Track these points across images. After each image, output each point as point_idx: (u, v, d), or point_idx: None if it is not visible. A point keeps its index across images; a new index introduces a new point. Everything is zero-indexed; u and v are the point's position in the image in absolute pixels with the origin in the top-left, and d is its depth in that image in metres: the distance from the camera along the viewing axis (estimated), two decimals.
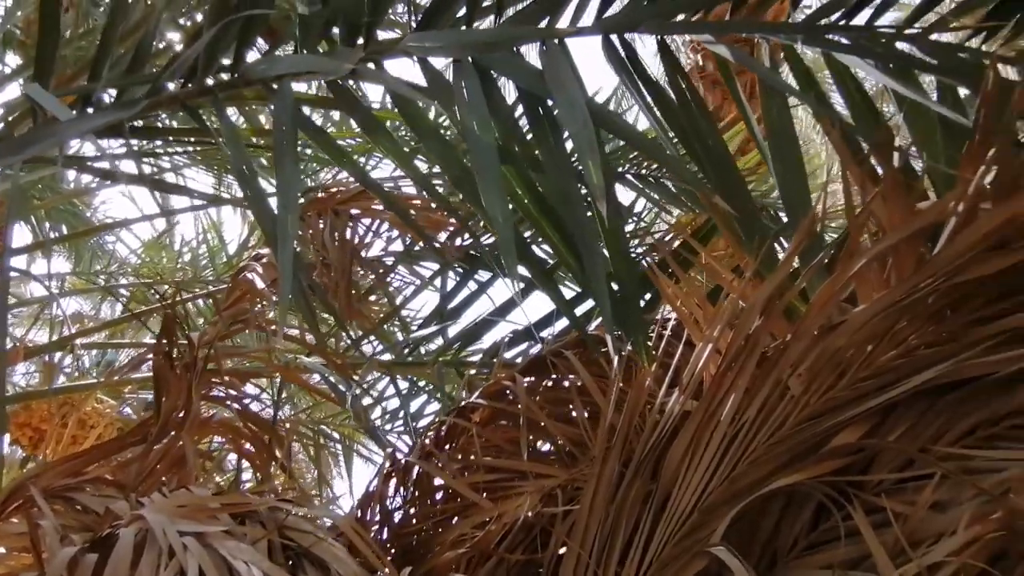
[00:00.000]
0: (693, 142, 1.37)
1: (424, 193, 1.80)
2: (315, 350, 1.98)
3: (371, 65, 1.31)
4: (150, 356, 1.88)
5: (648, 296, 1.76)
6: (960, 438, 1.04)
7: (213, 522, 1.06)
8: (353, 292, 1.92)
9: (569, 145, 1.38)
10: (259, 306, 1.79)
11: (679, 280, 1.43)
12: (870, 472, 1.08)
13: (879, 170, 1.27)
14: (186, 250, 4.59)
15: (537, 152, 1.33)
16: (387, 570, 1.10)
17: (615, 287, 1.34)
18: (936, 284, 1.12)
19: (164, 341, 1.70)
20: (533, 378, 1.67)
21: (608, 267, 1.31)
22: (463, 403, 1.63)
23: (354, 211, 1.77)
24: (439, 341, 2.59)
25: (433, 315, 2.64)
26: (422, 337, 2.52)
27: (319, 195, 2.28)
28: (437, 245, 1.76)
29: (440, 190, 2.49)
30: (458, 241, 2.56)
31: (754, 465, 1.19)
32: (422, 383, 2.63)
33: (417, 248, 2.60)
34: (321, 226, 1.78)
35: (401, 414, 2.45)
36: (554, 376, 1.68)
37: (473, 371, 2.26)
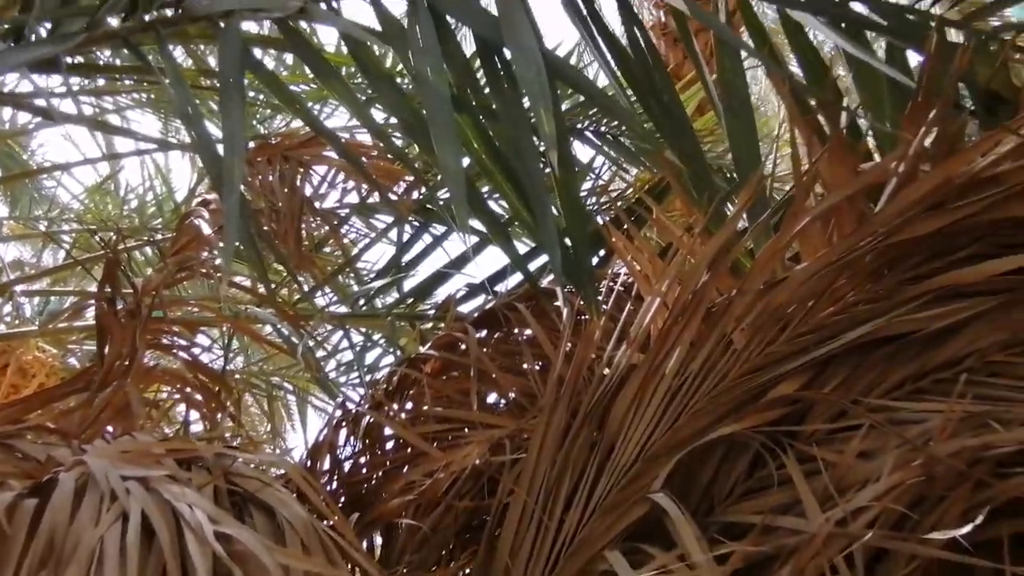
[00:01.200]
0: (649, 98, 1.37)
1: (379, 143, 1.77)
2: (264, 300, 1.95)
3: (323, 5, 1.27)
4: (92, 303, 1.83)
5: (603, 253, 1.77)
6: (890, 391, 1.09)
7: (157, 468, 1.06)
8: (305, 242, 1.89)
9: (526, 99, 1.37)
10: (207, 254, 1.75)
11: (633, 237, 1.44)
12: (805, 423, 1.13)
13: (828, 130, 1.30)
14: (132, 196, 4.43)
15: (492, 103, 1.32)
16: (335, 516, 1.11)
17: (567, 241, 1.34)
18: (875, 243, 1.16)
19: (107, 288, 1.66)
20: (485, 331, 1.69)
21: (560, 221, 1.32)
22: (414, 355, 1.63)
23: (307, 159, 1.73)
24: (394, 295, 2.57)
25: (388, 268, 2.62)
26: (376, 289, 2.51)
27: (272, 141, 2.21)
28: (391, 197, 1.73)
29: (398, 141, 2.45)
30: (414, 194, 2.54)
31: (696, 416, 1.22)
32: (377, 336, 2.62)
33: (372, 200, 2.57)
34: (271, 174, 1.74)
35: (355, 366, 2.45)
36: (505, 329, 1.69)
37: (427, 324, 2.27)
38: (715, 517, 1.13)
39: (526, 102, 1.34)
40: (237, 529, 0.89)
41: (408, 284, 2.58)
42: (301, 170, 1.73)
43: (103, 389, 1.75)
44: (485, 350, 1.58)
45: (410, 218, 2.57)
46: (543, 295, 1.40)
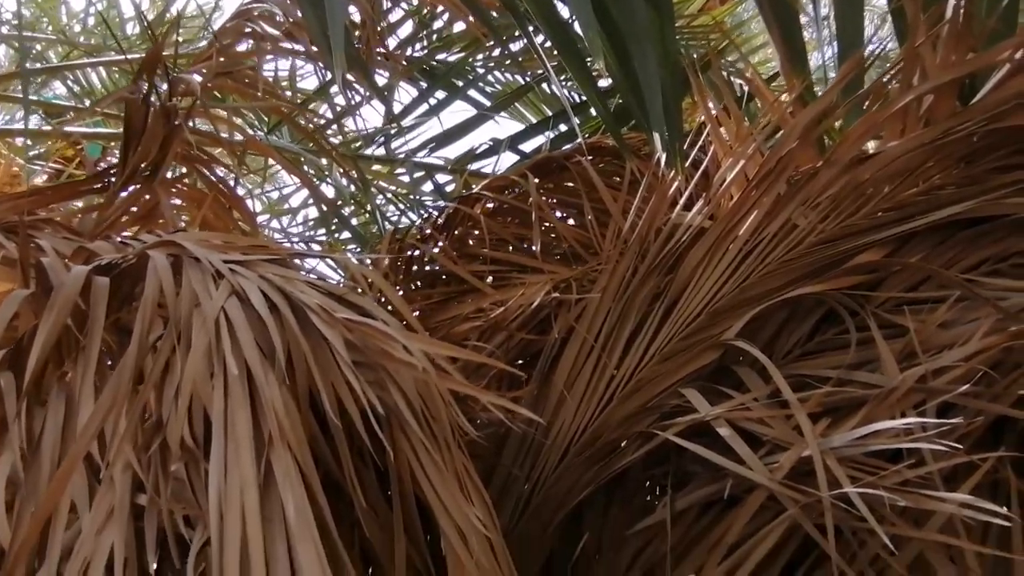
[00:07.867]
0: None
1: None
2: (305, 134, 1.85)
3: None
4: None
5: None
6: (967, 270, 1.13)
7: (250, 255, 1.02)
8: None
9: None
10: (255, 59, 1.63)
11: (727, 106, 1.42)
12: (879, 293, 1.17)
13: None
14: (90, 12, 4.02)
15: None
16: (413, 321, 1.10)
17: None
18: (973, 128, 1.18)
19: (144, 81, 1.54)
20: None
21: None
22: (468, 193, 1.60)
23: None
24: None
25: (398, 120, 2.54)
26: (393, 133, 2.42)
27: None
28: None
29: None
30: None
31: (767, 277, 1.26)
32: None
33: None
34: None
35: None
36: (552, 184, 1.67)
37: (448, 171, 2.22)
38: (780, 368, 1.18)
39: None
40: (352, 313, 0.88)
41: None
42: None
43: (123, 190, 1.66)
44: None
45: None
46: (622, 146, 1.38)
